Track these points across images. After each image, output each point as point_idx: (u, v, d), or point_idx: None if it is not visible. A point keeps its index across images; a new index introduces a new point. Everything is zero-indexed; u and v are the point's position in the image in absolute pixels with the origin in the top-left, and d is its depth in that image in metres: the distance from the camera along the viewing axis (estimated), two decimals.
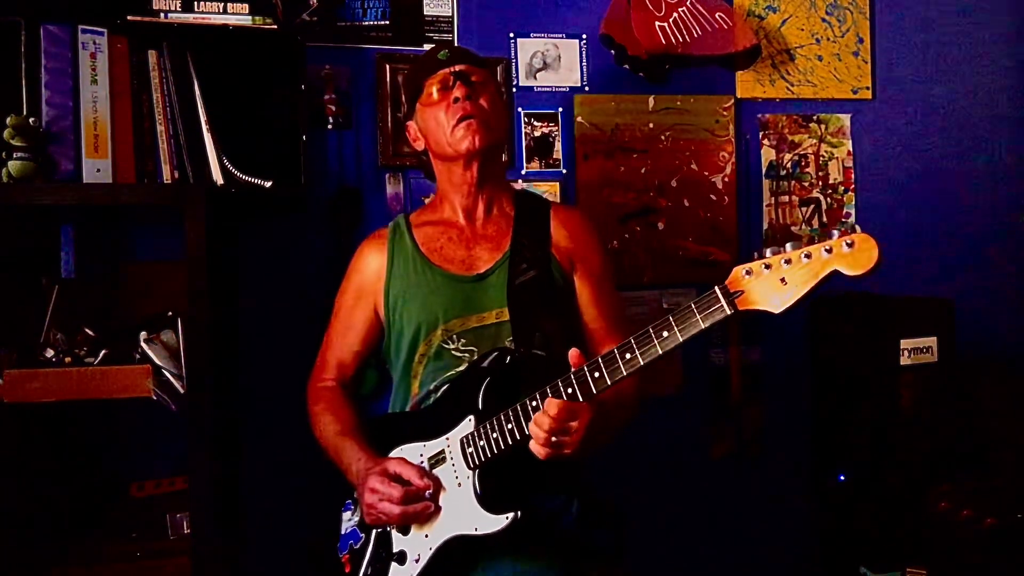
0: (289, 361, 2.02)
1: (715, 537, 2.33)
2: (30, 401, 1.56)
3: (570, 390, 1.25)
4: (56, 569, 1.66)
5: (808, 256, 1.08)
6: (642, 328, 1.21)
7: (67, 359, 1.61)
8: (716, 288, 1.13)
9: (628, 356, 1.20)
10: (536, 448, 1.26)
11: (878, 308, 2.14)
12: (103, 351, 1.63)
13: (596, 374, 1.23)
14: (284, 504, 2.04)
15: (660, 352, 1.18)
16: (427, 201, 2.15)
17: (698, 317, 1.14)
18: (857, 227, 1.08)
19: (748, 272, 1.12)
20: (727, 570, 2.33)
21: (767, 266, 1.10)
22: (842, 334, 2.23)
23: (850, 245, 1.05)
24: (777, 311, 1.10)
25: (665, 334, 1.17)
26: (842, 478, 2.23)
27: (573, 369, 1.26)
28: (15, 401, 1.55)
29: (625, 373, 1.21)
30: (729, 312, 1.12)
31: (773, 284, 1.10)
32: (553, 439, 1.25)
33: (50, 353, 1.63)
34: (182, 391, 1.61)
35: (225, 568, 1.72)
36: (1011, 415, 2.22)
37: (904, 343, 2.09)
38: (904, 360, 2.09)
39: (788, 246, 1.09)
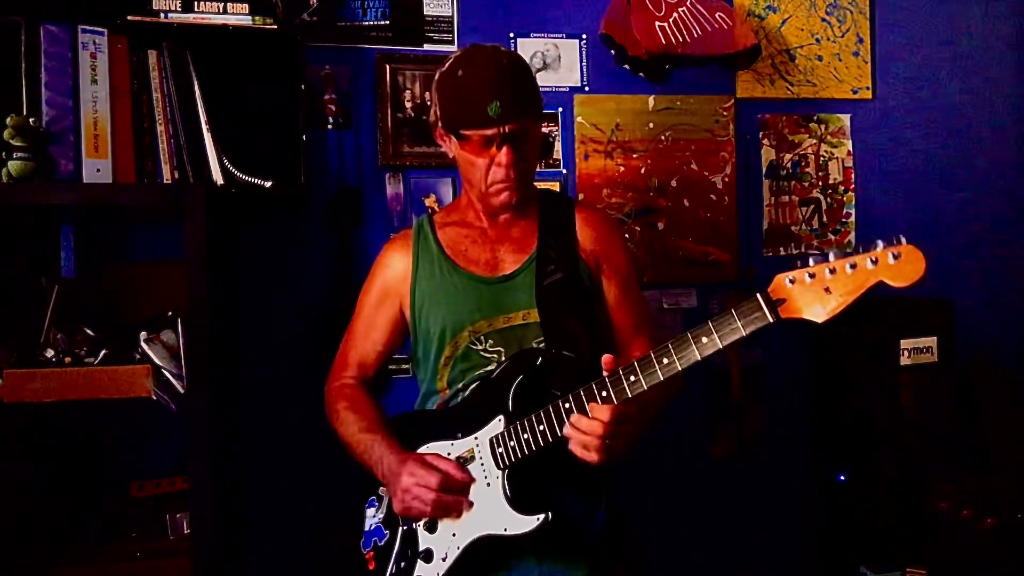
0: (289, 361, 2.03)
1: (715, 537, 2.33)
2: (30, 401, 1.56)
3: (604, 393, 1.25)
4: (56, 569, 1.66)
5: (853, 266, 1.07)
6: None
7: (67, 359, 1.61)
8: (758, 295, 1.12)
9: (665, 361, 1.20)
10: (588, 455, 1.26)
11: (878, 308, 2.14)
12: (103, 351, 1.63)
13: (632, 378, 1.23)
14: (284, 504, 2.04)
15: (699, 358, 1.18)
16: (427, 202, 2.16)
17: (739, 324, 1.14)
18: (901, 238, 1.07)
19: (791, 281, 1.11)
20: (727, 570, 2.32)
21: (811, 275, 1.10)
22: (842, 334, 2.23)
23: (896, 257, 1.04)
24: (820, 320, 1.10)
25: (704, 340, 1.17)
26: (842, 478, 2.23)
27: (606, 373, 1.25)
28: (15, 401, 1.55)
29: (662, 378, 1.21)
30: (771, 320, 1.11)
31: (817, 293, 1.09)
32: (607, 443, 1.24)
33: (50, 353, 1.63)
34: (182, 391, 1.61)
35: (225, 568, 1.72)
36: (1011, 415, 2.22)
37: (904, 343, 2.09)
38: (904, 360, 2.09)
39: (831, 255, 1.09)
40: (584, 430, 1.25)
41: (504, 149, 1.41)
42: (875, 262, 1.06)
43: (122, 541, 1.73)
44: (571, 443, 1.28)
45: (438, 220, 1.60)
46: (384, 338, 1.58)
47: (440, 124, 1.47)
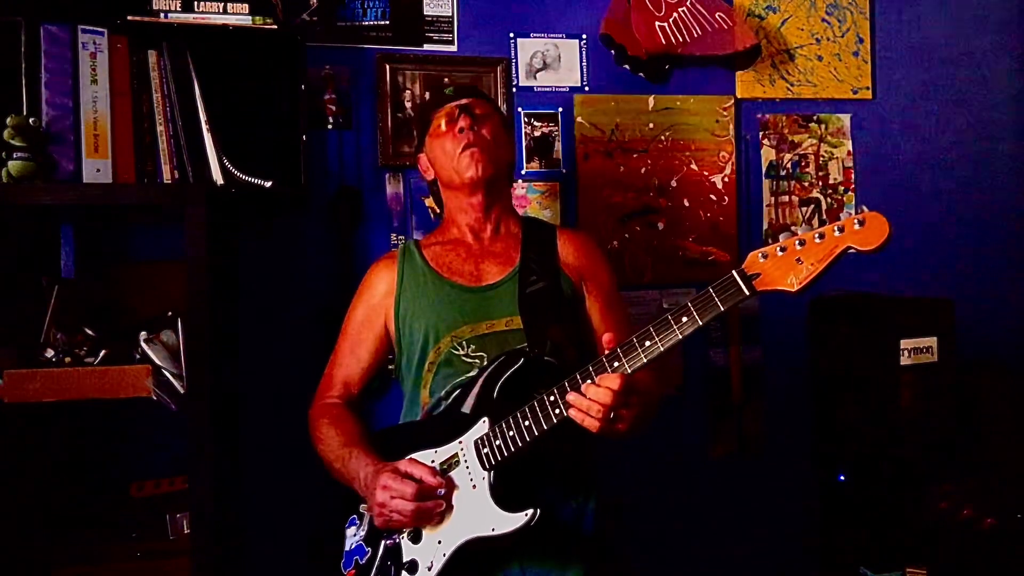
0: (289, 360, 2.03)
1: (715, 537, 2.33)
2: (30, 401, 1.56)
3: (588, 382, 1.26)
4: (56, 569, 1.66)
5: (821, 236, 1.14)
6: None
7: (67, 359, 1.61)
8: (733, 271, 1.17)
9: (648, 343, 1.23)
10: (590, 423, 1.24)
11: (878, 308, 2.14)
12: (103, 351, 1.63)
13: (616, 363, 1.25)
14: (284, 504, 2.04)
15: (680, 337, 1.21)
16: (427, 202, 2.16)
17: (716, 300, 1.18)
18: (864, 207, 1.13)
19: (764, 256, 1.17)
20: (727, 570, 2.32)
21: (782, 248, 1.16)
22: (842, 334, 2.23)
23: (861, 223, 1.12)
24: (794, 289, 1.15)
25: (684, 319, 1.20)
26: (842, 478, 2.23)
27: (606, 353, 1.27)
28: (15, 401, 1.55)
29: (645, 360, 1.23)
30: (747, 293, 1.16)
31: (789, 265, 1.15)
32: (611, 414, 1.24)
33: (50, 353, 1.62)
34: (182, 391, 1.61)
35: (225, 568, 1.72)
36: (1011, 415, 2.22)
37: (904, 343, 2.09)
38: (904, 360, 2.09)
39: (799, 230, 1.15)
40: (592, 397, 1.24)
41: (462, 115, 1.56)
42: (842, 230, 1.13)
43: (122, 541, 1.73)
44: (572, 411, 1.26)
45: (423, 242, 1.66)
46: (369, 355, 1.61)
47: (416, 137, 1.65)
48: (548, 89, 2.26)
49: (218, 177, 1.76)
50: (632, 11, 2.23)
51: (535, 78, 2.25)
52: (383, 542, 1.43)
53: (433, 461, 1.40)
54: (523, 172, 2.23)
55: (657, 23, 2.24)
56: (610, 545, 1.49)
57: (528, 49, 2.25)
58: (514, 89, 2.23)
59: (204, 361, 1.61)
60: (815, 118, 2.45)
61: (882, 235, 1.11)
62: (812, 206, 2.44)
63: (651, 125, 2.32)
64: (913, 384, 2.10)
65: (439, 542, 1.36)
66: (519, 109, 2.23)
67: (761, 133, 2.42)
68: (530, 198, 2.22)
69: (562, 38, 2.27)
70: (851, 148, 2.48)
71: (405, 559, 1.39)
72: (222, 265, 1.84)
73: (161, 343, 1.64)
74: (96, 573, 1.68)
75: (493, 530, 1.31)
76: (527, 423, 1.31)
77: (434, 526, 1.37)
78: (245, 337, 2.05)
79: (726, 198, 2.37)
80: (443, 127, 1.58)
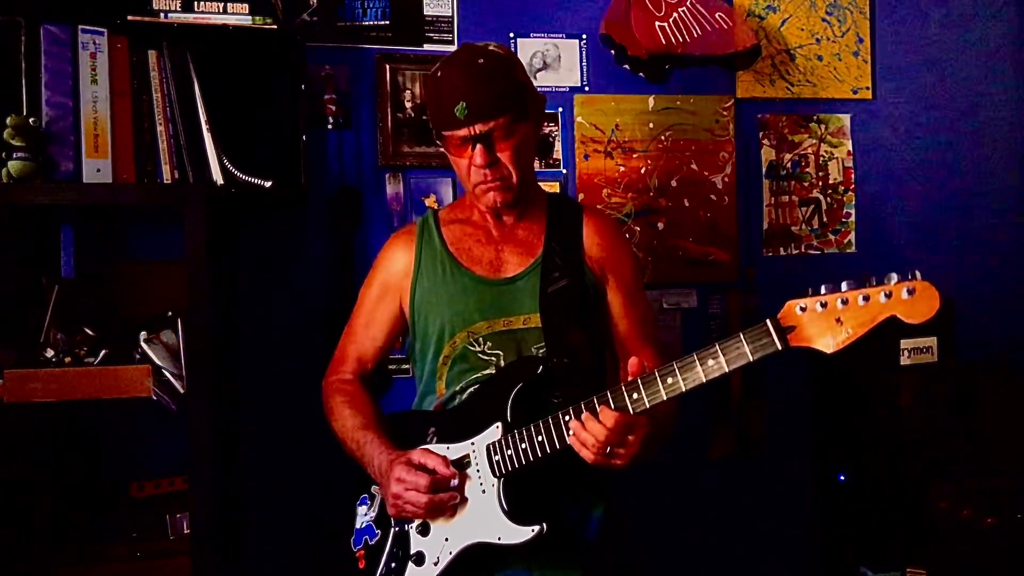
0: (289, 360, 2.03)
1: (715, 537, 2.33)
2: (30, 401, 1.56)
3: (607, 405, 1.25)
4: (56, 569, 1.66)
5: (866, 299, 1.06)
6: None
7: (67, 359, 1.61)
8: (768, 321, 1.13)
9: (670, 381, 1.21)
10: (586, 454, 1.25)
11: None
12: (103, 351, 1.63)
13: (635, 395, 1.23)
14: (284, 504, 2.04)
15: (704, 380, 1.18)
16: (427, 202, 2.16)
17: (747, 349, 1.14)
18: (917, 272, 1.06)
19: (802, 308, 1.11)
20: (727, 570, 2.33)
21: (823, 304, 1.09)
22: None
23: (911, 292, 1.04)
24: (829, 351, 1.09)
25: (711, 363, 1.17)
26: (842, 478, 2.23)
27: (629, 380, 1.25)
28: (15, 401, 1.55)
29: (665, 398, 1.22)
30: (780, 348, 1.12)
31: (828, 323, 1.09)
32: (608, 449, 1.24)
33: (50, 353, 1.63)
34: (182, 391, 1.61)
35: (225, 568, 1.72)
36: (1011, 415, 2.21)
37: (904, 343, 2.09)
38: (904, 360, 2.09)
39: (844, 285, 1.08)
40: (589, 431, 1.24)
41: (478, 149, 1.38)
42: (888, 296, 1.05)
43: (122, 541, 1.73)
44: (571, 438, 1.27)
45: (443, 216, 1.58)
46: (383, 334, 1.58)
47: (430, 125, 1.48)
48: (548, 89, 2.25)
49: (218, 177, 1.76)
50: (632, 11, 2.23)
51: (535, 78, 2.25)
52: (392, 528, 1.43)
53: (444, 458, 1.40)
54: None
55: (657, 23, 2.24)
56: (619, 553, 1.47)
57: (528, 49, 2.25)
58: None
59: (204, 361, 1.61)
60: (815, 118, 2.45)
61: (931, 309, 1.03)
62: (812, 206, 2.44)
63: (651, 125, 2.32)
64: (913, 384, 2.10)
65: (446, 539, 1.36)
66: None
67: (761, 133, 2.42)
68: None
69: (562, 38, 2.27)
70: (851, 148, 2.48)
71: (412, 550, 1.39)
72: (222, 265, 1.84)
73: (161, 343, 1.64)
74: (96, 573, 1.68)
75: (500, 539, 1.31)
76: (540, 439, 1.30)
77: (444, 520, 1.37)
78: (245, 337, 2.05)
79: (726, 198, 2.37)
80: (458, 145, 1.41)
